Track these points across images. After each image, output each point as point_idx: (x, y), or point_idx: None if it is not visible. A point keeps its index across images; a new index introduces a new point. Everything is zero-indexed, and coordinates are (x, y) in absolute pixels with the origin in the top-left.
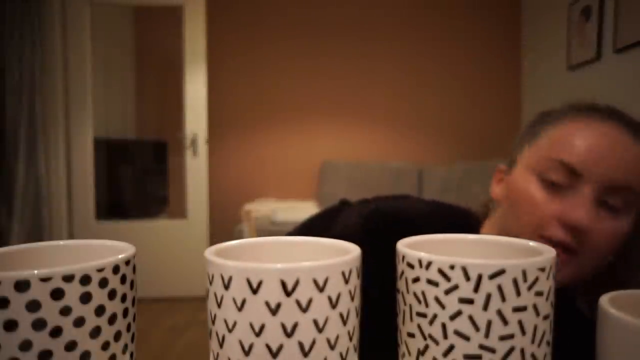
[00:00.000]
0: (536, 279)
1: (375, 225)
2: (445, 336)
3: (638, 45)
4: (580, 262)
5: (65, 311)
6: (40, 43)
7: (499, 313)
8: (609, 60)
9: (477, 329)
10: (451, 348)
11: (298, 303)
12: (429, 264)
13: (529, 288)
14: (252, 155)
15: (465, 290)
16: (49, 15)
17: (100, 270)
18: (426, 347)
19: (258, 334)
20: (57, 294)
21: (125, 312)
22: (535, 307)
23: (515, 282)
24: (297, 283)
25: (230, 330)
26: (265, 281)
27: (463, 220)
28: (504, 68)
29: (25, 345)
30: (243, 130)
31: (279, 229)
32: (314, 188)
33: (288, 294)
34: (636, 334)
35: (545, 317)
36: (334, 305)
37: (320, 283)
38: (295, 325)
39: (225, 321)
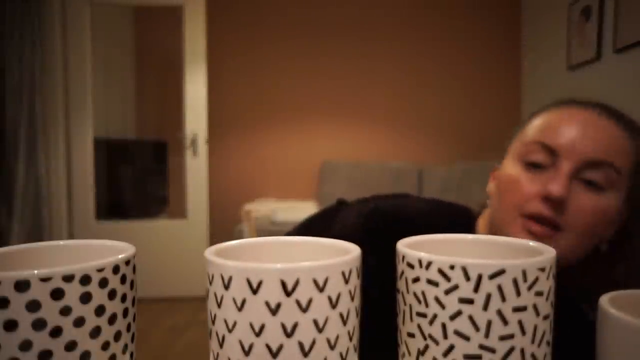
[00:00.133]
0: (536, 279)
1: (374, 225)
2: (445, 336)
3: (638, 45)
4: (566, 238)
5: (65, 311)
6: (40, 43)
7: (499, 313)
8: (609, 60)
9: (477, 329)
10: (451, 348)
11: (298, 303)
12: (429, 264)
13: (529, 288)
14: (252, 155)
15: (465, 290)
16: (49, 15)
17: (100, 270)
18: (426, 347)
19: (258, 334)
20: (57, 294)
21: (125, 312)
22: (535, 307)
23: (515, 282)
24: (297, 283)
25: (230, 330)
26: (265, 281)
27: (463, 218)
28: (504, 68)
29: (25, 345)
30: (243, 130)
31: (279, 229)
32: (314, 188)
33: (288, 294)
34: (636, 334)
35: (545, 317)
36: (334, 305)
37: (320, 283)
38: (295, 325)
39: (225, 321)
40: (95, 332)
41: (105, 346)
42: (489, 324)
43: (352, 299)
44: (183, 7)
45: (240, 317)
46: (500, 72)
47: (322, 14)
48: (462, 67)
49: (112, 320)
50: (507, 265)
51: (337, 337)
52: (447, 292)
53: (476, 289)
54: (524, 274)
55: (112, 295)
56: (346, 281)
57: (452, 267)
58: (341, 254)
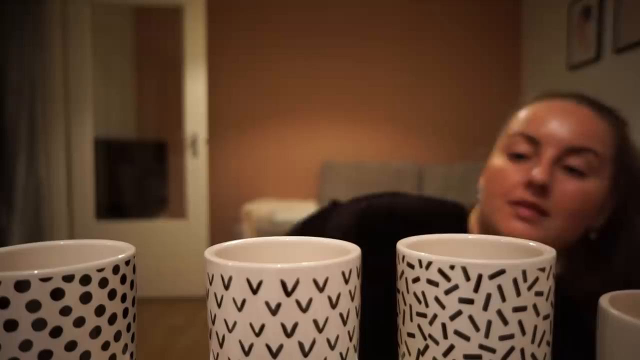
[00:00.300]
0: (536, 279)
1: (367, 224)
2: (445, 336)
3: (638, 45)
4: (553, 222)
5: (65, 311)
6: (40, 43)
7: (499, 313)
8: (609, 60)
9: (477, 329)
10: (451, 348)
11: (298, 303)
12: (429, 264)
13: (529, 288)
14: (252, 155)
15: (465, 290)
16: (49, 15)
17: (100, 270)
18: (426, 347)
19: (258, 334)
20: (57, 294)
21: (125, 312)
22: (535, 307)
23: (515, 282)
24: (297, 283)
25: (230, 330)
26: (265, 281)
27: (455, 215)
28: (503, 68)
29: (26, 345)
30: (243, 130)
31: (279, 229)
32: (314, 188)
33: (288, 294)
34: (636, 334)
35: (545, 317)
36: (334, 305)
37: (320, 283)
38: (295, 325)
39: (225, 321)
40: (95, 332)
41: (105, 346)
42: (489, 324)
43: (352, 299)
44: (183, 7)
45: (240, 317)
46: (500, 72)
47: (322, 14)
48: (462, 67)
49: (112, 320)
50: (507, 265)
51: (337, 337)
52: (447, 292)
53: (476, 289)
54: (524, 274)
55: (112, 295)
56: (346, 281)
57: (452, 267)
58: (341, 254)
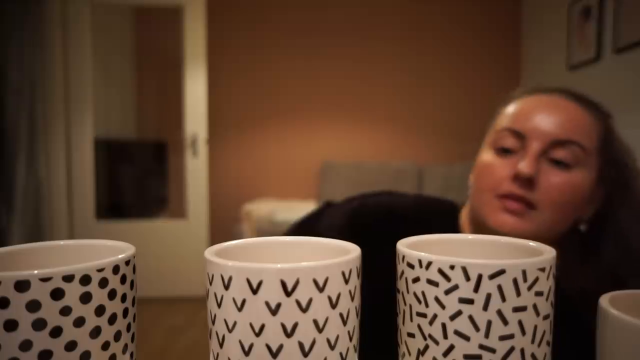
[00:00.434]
0: (536, 279)
1: (360, 222)
2: (445, 336)
3: (638, 45)
4: (541, 215)
5: (65, 311)
6: (40, 43)
7: (499, 313)
8: (609, 60)
9: (477, 329)
10: (451, 348)
11: (298, 303)
12: (429, 264)
13: (529, 288)
14: (252, 155)
15: (465, 290)
16: (49, 15)
17: (100, 270)
18: (426, 347)
19: (258, 334)
20: (57, 294)
21: (125, 312)
22: (535, 307)
23: (515, 282)
24: (297, 283)
25: (230, 330)
26: (265, 281)
27: (446, 211)
28: (503, 68)
29: (26, 345)
30: (243, 130)
31: (279, 229)
32: (314, 188)
33: (288, 294)
34: (636, 334)
35: (545, 317)
36: (334, 305)
37: (320, 283)
38: (295, 325)
39: (225, 321)
40: (95, 332)
41: (105, 346)
42: (489, 324)
43: (352, 299)
44: (183, 7)
45: (240, 317)
46: (500, 72)
47: (322, 14)
48: (462, 67)
49: (112, 320)
50: (507, 265)
51: (337, 337)
52: (447, 292)
53: (476, 289)
54: (524, 274)
55: (112, 295)
56: (346, 281)
57: (452, 267)
58: (341, 254)
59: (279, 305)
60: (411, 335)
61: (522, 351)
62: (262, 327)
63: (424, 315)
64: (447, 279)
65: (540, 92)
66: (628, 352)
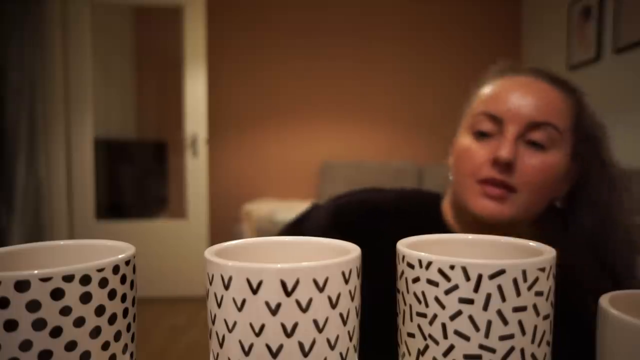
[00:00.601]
0: (536, 279)
1: (344, 220)
2: (445, 336)
3: (638, 45)
4: (520, 197)
5: (65, 311)
6: (40, 43)
7: (499, 313)
8: (609, 60)
9: (477, 329)
10: (451, 348)
11: (298, 303)
12: (429, 264)
13: (529, 288)
14: (252, 155)
15: (465, 290)
16: (49, 15)
17: (100, 270)
18: (426, 347)
19: (258, 334)
20: (57, 294)
21: (125, 312)
22: (535, 307)
23: (515, 282)
24: (297, 283)
25: (230, 330)
26: (265, 281)
27: (429, 202)
28: None
29: (26, 345)
30: (243, 130)
31: (279, 229)
32: (314, 188)
33: (288, 294)
34: (636, 334)
35: (545, 317)
36: (334, 305)
37: (320, 283)
38: (295, 325)
39: (225, 321)
40: (95, 332)
41: (105, 346)
42: (489, 324)
43: (352, 299)
44: (183, 7)
45: (240, 317)
46: None
47: (322, 14)
48: (463, 67)
49: (112, 320)
50: (507, 265)
51: (337, 337)
52: (447, 292)
53: (476, 289)
54: (524, 274)
55: (112, 295)
56: (346, 281)
57: (452, 267)
58: (341, 254)
59: (279, 305)
60: (411, 335)
61: (522, 351)
62: (262, 327)
63: (424, 315)
64: (447, 279)
65: (513, 72)
66: (628, 352)
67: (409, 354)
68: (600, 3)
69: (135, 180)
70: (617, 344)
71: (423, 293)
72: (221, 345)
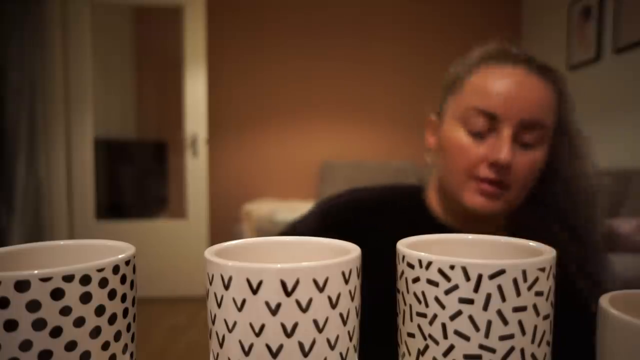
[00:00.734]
0: (536, 279)
1: (332, 222)
2: (445, 336)
3: (638, 45)
4: (513, 193)
5: (65, 311)
6: (40, 43)
7: (499, 313)
8: (609, 60)
9: (477, 329)
10: (451, 348)
11: (298, 303)
12: (429, 264)
13: (529, 288)
14: (252, 155)
15: (465, 290)
16: (49, 15)
17: (100, 270)
18: (426, 347)
19: (258, 334)
20: (57, 294)
21: (125, 312)
22: (535, 307)
23: (515, 282)
24: (297, 283)
25: (230, 330)
26: (265, 281)
27: (413, 195)
28: None
29: (26, 345)
30: (243, 130)
31: (279, 229)
32: (314, 188)
33: (288, 294)
34: (636, 334)
35: (545, 317)
36: (334, 305)
37: (320, 283)
38: (295, 325)
39: (225, 321)
40: (95, 332)
41: (105, 346)
42: (489, 324)
43: (352, 299)
44: (183, 7)
45: (240, 317)
46: None
47: (322, 14)
48: None
49: (112, 320)
50: (507, 265)
51: (337, 337)
52: (447, 292)
53: (476, 289)
54: (524, 274)
55: (112, 295)
56: (346, 281)
57: (452, 267)
58: (341, 254)
59: (279, 305)
60: (411, 335)
61: (522, 351)
62: (262, 327)
63: (424, 315)
64: (447, 279)
65: (503, 59)
66: (628, 352)
67: (409, 354)
68: (600, 3)
69: (135, 180)
70: (617, 344)
71: (423, 293)
72: (221, 345)
